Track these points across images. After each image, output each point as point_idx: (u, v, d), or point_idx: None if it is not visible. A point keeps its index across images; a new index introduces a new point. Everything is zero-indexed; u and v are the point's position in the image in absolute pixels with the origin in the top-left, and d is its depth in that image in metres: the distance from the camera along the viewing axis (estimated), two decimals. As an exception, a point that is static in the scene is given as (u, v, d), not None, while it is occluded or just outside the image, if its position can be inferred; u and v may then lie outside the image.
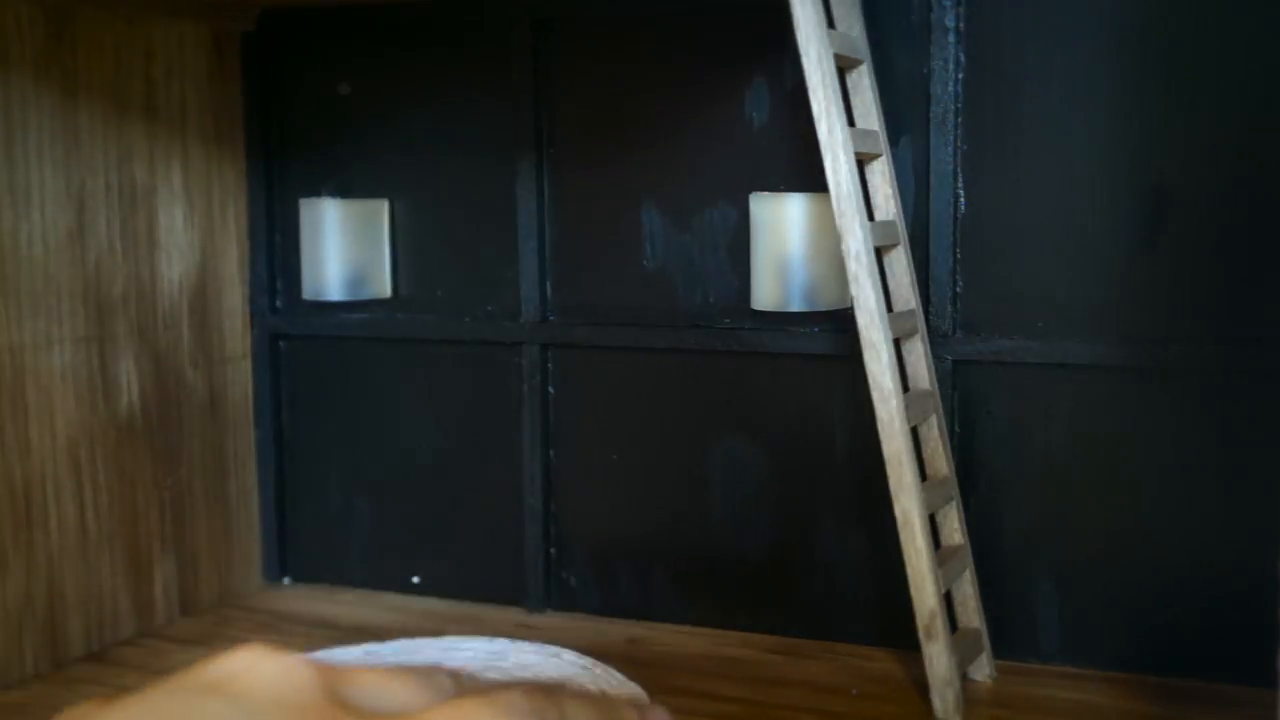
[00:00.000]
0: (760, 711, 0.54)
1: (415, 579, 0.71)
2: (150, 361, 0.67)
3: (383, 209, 0.69)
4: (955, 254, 0.59)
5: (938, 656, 0.52)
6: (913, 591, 0.52)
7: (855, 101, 0.56)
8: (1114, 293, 0.56)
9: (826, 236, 0.58)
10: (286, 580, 0.74)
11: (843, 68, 0.55)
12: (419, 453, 0.71)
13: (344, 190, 0.70)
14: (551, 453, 0.68)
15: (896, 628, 0.59)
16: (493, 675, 0.47)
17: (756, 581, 0.64)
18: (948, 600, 0.56)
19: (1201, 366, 0.55)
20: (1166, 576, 0.57)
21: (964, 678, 0.55)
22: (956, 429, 0.59)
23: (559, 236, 0.66)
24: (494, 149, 0.67)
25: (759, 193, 0.60)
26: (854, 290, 0.52)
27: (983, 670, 0.57)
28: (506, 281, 0.67)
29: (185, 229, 0.69)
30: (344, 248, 0.68)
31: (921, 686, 0.54)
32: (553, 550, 0.68)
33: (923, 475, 0.55)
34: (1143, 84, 0.55)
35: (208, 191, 0.70)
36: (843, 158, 0.51)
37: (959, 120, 0.58)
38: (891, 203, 0.56)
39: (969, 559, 0.57)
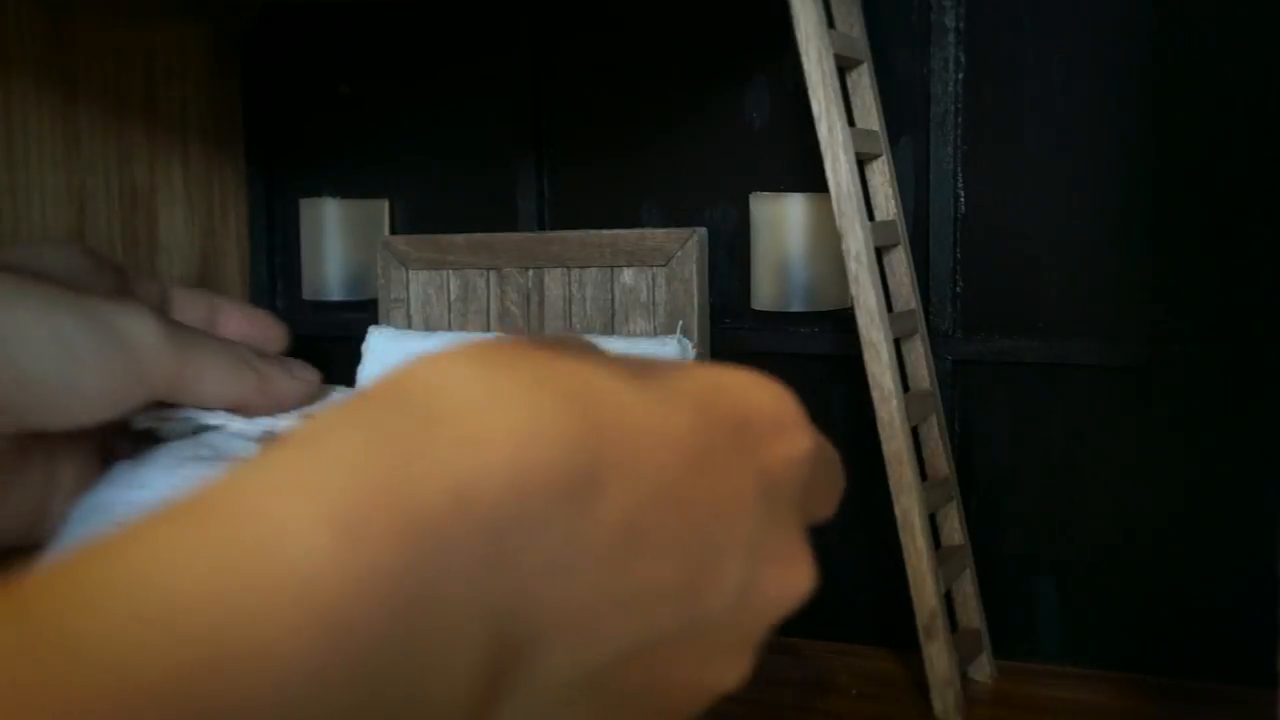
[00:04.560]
0: (760, 711, 0.54)
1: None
2: (150, 361, 0.67)
3: (383, 209, 0.69)
4: (955, 254, 0.59)
5: (938, 656, 0.52)
6: (913, 591, 0.52)
7: (855, 101, 0.56)
8: (1114, 293, 0.56)
9: (826, 236, 0.58)
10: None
11: (843, 68, 0.55)
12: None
13: (344, 190, 0.70)
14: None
15: (896, 628, 0.59)
16: None
17: (756, 581, 0.64)
18: (948, 600, 0.56)
19: (1201, 366, 0.55)
20: (1166, 576, 0.57)
21: (964, 678, 0.55)
22: (956, 429, 0.59)
23: (559, 236, 0.66)
24: (494, 149, 0.67)
25: (759, 193, 0.60)
26: (854, 290, 0.52)
27: (983, 670, 0.57)
28: (506, 281, 0.67)
29: (185, 229, 0.69)
30: (344, 248, 0.68)
31: (921, 686, 0.54)
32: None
33: (923, 475, 0.55)
34: (1143, 83, 0.55)
35: (208, 191, 0.70)
36: (843, 158, 0.51)
37: (959, 120, 0.58)
38: (891, 203, 0.56)
39: (969, 559, 0.57)
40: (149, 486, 0.45)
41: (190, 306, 0.56)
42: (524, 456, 0.22)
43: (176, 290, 0.56)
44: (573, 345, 0.27)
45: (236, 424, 0.48)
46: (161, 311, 0.53)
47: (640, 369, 0.26)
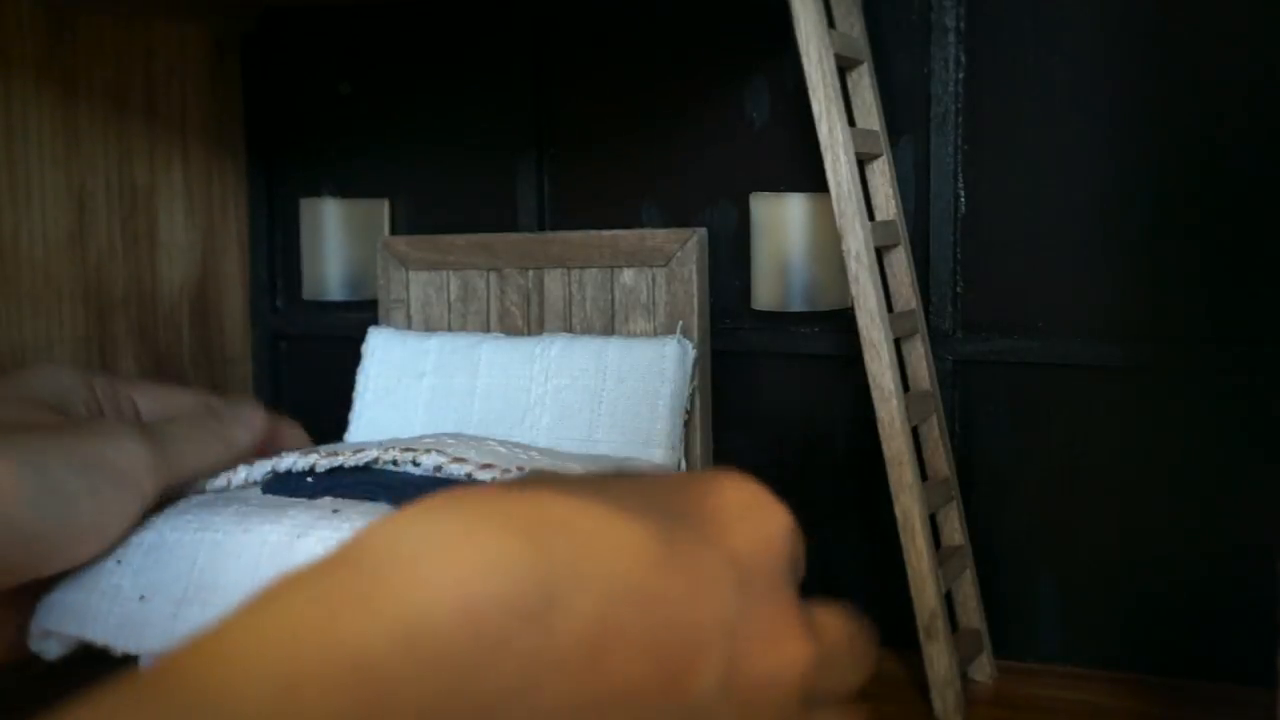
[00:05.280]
0: (760, 711, 0.54)
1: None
2: (151, 362, 0.67)
3: (383, 209, 0.69)
4: (955, 254, 0.59)
5: (938, 656, 0.52)
6: (913, 591, 0.52)
7: (855, 101, 0.56)
8: (1114, 293, 0.56)
9: (826, 236, 0.58)
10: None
11: (843, 68, 0.55)
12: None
13: (344, 190, 0.70)
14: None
15: (896, 628, 0.59)
16: None
17: (756, 581, 0.64)
18: (948, 600, 0.56)
19: (1201, 366, 0.55)
20: (1166, 576, 0.57)
21: (964, 678, 0.55)
22: (956, 429, 0.59)
23: (559, 236, 0.66)
24: (494, 149, 0.67)
25: (759, 193, 0.60)
26: (854, 290, 0.52)
27: (983, 670, 0.57)
28: (507, 281, 0.67)
29: (185, 229, 0.69)
30: (344, 248, 0.68)
31: (921, 686, 0.54)
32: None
33: (923, 475, 0.55)
34: (1143, 83, 0.55)
35: (208, 191, 0.70)
36: (843, 158, 0.51)
37: (959, 120, 0.58)
38: (891, 203, 0.56)
39: (969, 559, 0.57)
40: (151, 528, 0.46)
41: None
42: (473, 591, 0.23)
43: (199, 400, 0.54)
44: (537, 481, 0.27)
45: (240, 476, 0.49)
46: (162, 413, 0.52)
47: (599, 485, 0.27)
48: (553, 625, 0.23)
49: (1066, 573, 0.58)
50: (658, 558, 0.25)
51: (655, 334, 0.58)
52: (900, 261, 0.57)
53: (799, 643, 0.28)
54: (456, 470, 0.47)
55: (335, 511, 0.45)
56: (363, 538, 0.24)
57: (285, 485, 0.49)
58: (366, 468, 0.49)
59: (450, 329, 0.62)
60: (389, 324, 0.63)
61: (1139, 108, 0.55)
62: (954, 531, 0.57)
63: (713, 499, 0.28)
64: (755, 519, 0.28)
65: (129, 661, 0.44)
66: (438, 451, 0.48)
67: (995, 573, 0.59)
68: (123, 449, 0.44)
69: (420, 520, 0.24)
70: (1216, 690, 0.55)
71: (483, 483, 0.46)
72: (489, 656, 0.22)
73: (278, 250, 0.73)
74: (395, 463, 0.48)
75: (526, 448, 0.53)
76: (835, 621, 0.31)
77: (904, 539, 0.52)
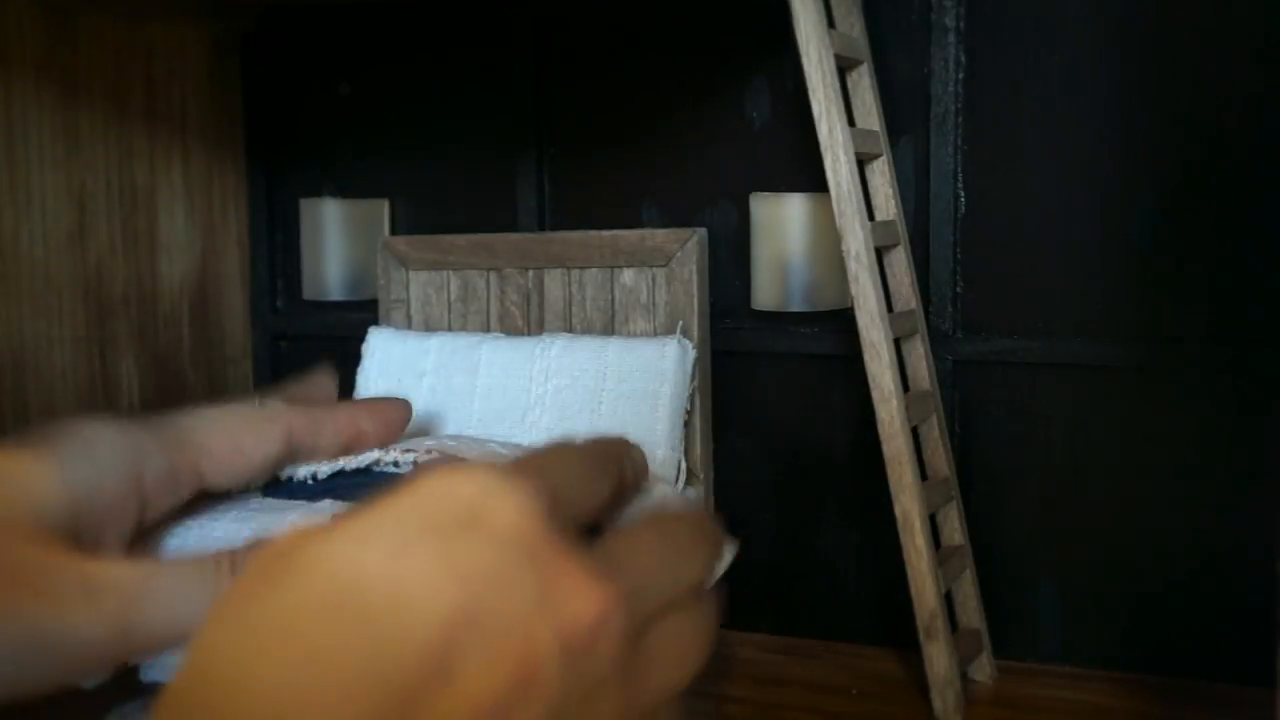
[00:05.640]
0: (760, 712, 0.54)
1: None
2: (151, 362, 0.67)
3: (383, 209, 0.69)
4: (955, 254, 0.59)
5: (938, 656, 0.52)
6: (913, 591, 0.52)
7: (855, 101, 0.56)
8: (1114, 292, 0.56)
9: (826, 236, 0.58)
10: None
11: (843, 68, 0.55)
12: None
13: (344, 190, 0.70)
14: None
15: (896, 628, 0.60)
16: None
17: (757, 581, 0.64)
18: (948, 600, 0.56)
19: (1201, 366, 0.55)
20: (1166, 576, 0.57)
21: (964, 678, 0.55)
22: (956, 429, 0.59)
23: (559, 236, 0.66)
24: (494, 149, 0.67)
25: (759, 193, 0.60)
26: (854, 290, 0.52)
27: (983, 670, 0.57)
28: (507, 281, 0.67)
29: (185, 229, 0.69)
30: (344, 248, 0.68)
31: (921, 686, 0.54)
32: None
33: (923, 475, 0.55)
34: (1143, 84, 0.55)
35: (208, 191, 0.70)
36: (843, 158, 0.51)
37: (959, 120, 0.58)
38: (891, 203, 0.56)
39: (969, 559, 0.57)
40: (176, 534, 0.45)
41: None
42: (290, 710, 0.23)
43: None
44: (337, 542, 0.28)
45: (302, 471, 0.47)
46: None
47: (373, 516, 0.28)
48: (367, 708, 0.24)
49: (1066, 573, 0.58)
50: (432, 569, 0.26)
51: (655, 334, 0.58)
52: (900, 261, 0.57)
53: (587, 597, 0.27)
54: None
55: (335, 515, 0.45)
56: (187, 668, 0.24)
57: (286, 488, 0.48)
58: (367, 469, 0.49)
59: (450, 329, 0.62)
60: (389, 324, 0.64)
61: (1139, 108, 0.55)
62: (954, 531, 0.57)
63: (456, 512, 0.27)
64: (487, 524, 0.27)
65: (129, 667, 0.44)
66: (438, 453, 0.48)
67: (995, 573, 0.59)
68: (68, 629, 0.37)
69: (239, 656, 0.24)
70: (1216, 690, 0.55)
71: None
72: None
73: (278, 250, 0.73)
74: (396, 464, 0.48)
75: (527, 448, 0.53)
76: (644, 540, 0.30)
77: (904, 539, 0.52)
